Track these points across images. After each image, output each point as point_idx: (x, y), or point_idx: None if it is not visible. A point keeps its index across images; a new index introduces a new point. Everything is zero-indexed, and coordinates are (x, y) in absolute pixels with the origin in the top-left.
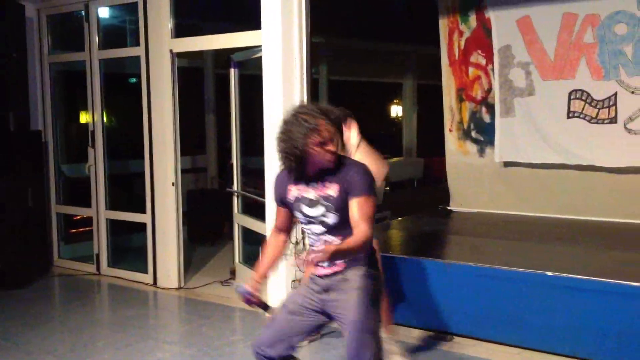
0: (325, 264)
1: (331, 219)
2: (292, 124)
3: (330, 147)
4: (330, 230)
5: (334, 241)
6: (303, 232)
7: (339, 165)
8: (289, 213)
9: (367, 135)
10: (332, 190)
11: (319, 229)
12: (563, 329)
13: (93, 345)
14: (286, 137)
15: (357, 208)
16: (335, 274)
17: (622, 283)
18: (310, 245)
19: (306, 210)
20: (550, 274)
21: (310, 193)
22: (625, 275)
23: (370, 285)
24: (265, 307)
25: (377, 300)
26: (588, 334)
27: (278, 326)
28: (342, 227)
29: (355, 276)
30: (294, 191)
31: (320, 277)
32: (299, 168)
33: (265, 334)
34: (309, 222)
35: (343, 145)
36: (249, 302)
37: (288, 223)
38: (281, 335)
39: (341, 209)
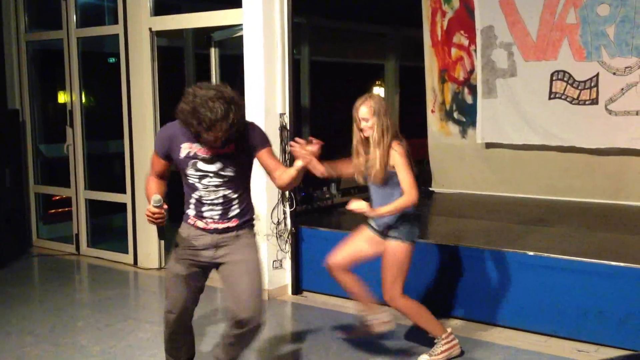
0: (217, 218)
1: (229, 172)
2: (205, 103)
3: (220, 140)
4: (228, 182)
5: (229, 194)
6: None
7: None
8: (168, 165)
9: (348, 118)
10: (229, 148)
11: (216, 181)
12: (544, 308)
13: (73, 325)
14: (195, 110)
15: (271, 157)
16: (227, 229)
17: (602, 263)
18: (199, 199)
19: (202, 166)
20: (530, 253)
21: (205, 152)
22: (605, 255)
23: (256, 242)
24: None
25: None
26: (568, 313)
27: (178, 297)
28: (236, 179)
29: (247, 234)
30: (186, 149)
31: (209, 231)
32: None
33: (173, 306)
34: (203, 177)
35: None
36: (158, 218)
37: (166, 172)
38: (185, 307)
39: (237, 163)
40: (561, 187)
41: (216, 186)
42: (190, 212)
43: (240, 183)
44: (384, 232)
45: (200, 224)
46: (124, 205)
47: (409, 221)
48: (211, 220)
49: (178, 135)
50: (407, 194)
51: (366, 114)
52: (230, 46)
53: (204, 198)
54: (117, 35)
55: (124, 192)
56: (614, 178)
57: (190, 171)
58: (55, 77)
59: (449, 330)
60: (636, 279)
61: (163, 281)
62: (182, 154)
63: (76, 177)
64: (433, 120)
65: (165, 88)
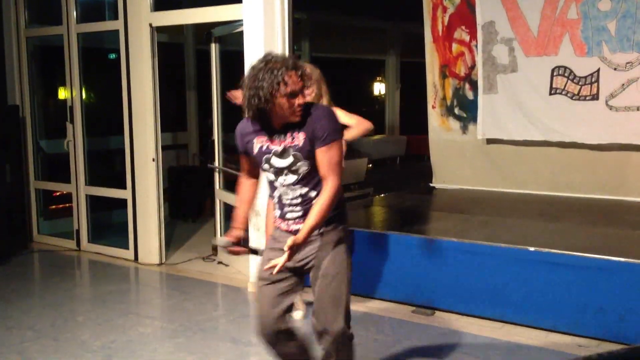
0: (298, 219)
1: (302, 167)
2: (261, 71)
3: (299, 100)
4: (302, 179)
5: (308, 192)
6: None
7: (306, 115)
8: (252, 160)
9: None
10: (299, 139)
11: (291, 178)
12: (544, 303)
13: (73, 321)
14: (253, 84)
15: (326, 158)
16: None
17: (603, 258)
18: (279, 199)
19: (275, 161)
20: (531, 249)
21: (277, 144)
22: (606, 251)
23: (345, 237)
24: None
25: (351, 252)
26: (569, 309)
27: (265, 302)
28: (312, 174)
29: (330, 230)
30: (258, 143)
31: (292, 232)
32: (264, 118)
33: (259, 317)
34: (278, 174)
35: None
36: (234, 252)
37: (256, 169)
38: (271, 310)
39: (310, 156)
40: (562, 182)
41: (293, 184)
42: (276, 212)
43: (315, 178)
44: None
45: (283, 225)
46: (124, 201)
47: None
48: (292, 221)
49: (250, 130)
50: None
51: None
52: (231, 42)
53: (283, 198)
54: (117, 31)
55: (125, 187)
56: (614, 174)
57: (265, 167)
58: (55, 73)
59: None
60: (637, 274)
61: (164, 277)
62: (256, 148)
63: (77, 173)
64: (434, 116)
65: (166, 84)
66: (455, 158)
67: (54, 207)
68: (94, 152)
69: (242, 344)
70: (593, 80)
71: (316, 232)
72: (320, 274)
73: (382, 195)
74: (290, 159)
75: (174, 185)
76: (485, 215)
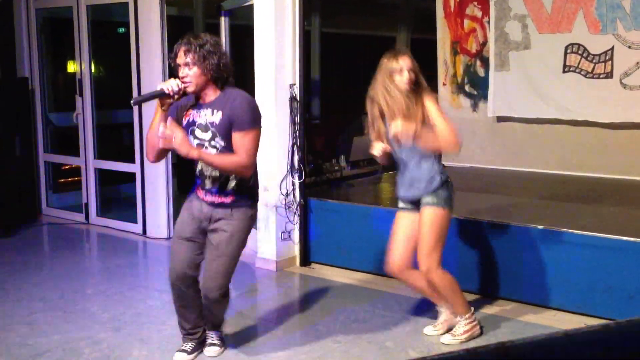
0: (214, 192)
1: (219, 143)
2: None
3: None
4: (220, 154)
5: None
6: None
7: (224, 92)
8: None
9: (358, 89)
10: (216, 117)
11: (211, 152)
12: (553, 282)
13: (83, 293)
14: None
15: (238, 141)
16: (222, 204)
17: (613, 238)
18: (201, 171)
19: (198, 133)
20: (540, 227)
21: (202, 118)
22: (616, 230)
23: (250, 224)
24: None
25: (247, 237)
26: (578, 288)
27: (179, 255)
28: (229, 152)
29: (240, 213)
30: (189, 116)
31: (207, 203)
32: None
33: (173, 266)
34: (201, 146)
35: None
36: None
37: None
38: (185, 261)
39: (226, 136)
40: (573, 161)
41: None
42: (197, 181)
43: None
44: (417, 202)
45: (200, 193)
46: (133, 175)
47: (446, 186)
48: (209, 193)
49: (186, 103)
50: (444, 136)
51: (411, 63)
52: (241, 16)
53: (203, 169)
54: (127, 3)
55: (133, 161)
56: (627, 153)
57: (191, 138)
58: (64, 46)
59: (472, 309)
60: None
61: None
62: (185, 121)
63: (85, 147)
64: (444, 94)
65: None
66: (465, 136)
67: (63, 180)
68: (103, 125)
69: (249, 319)
70: (607, 58)
71: (228, 210)
72: (215, 247)
73: (391, 172)
74: (209, 134)
75: (183, 161)
76: (495, 194)
